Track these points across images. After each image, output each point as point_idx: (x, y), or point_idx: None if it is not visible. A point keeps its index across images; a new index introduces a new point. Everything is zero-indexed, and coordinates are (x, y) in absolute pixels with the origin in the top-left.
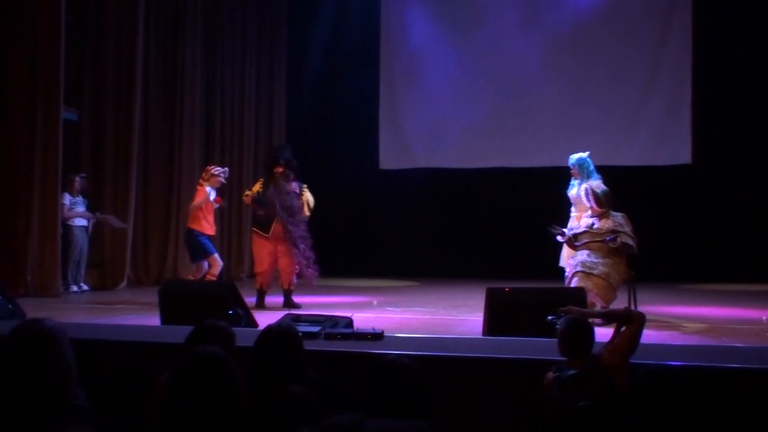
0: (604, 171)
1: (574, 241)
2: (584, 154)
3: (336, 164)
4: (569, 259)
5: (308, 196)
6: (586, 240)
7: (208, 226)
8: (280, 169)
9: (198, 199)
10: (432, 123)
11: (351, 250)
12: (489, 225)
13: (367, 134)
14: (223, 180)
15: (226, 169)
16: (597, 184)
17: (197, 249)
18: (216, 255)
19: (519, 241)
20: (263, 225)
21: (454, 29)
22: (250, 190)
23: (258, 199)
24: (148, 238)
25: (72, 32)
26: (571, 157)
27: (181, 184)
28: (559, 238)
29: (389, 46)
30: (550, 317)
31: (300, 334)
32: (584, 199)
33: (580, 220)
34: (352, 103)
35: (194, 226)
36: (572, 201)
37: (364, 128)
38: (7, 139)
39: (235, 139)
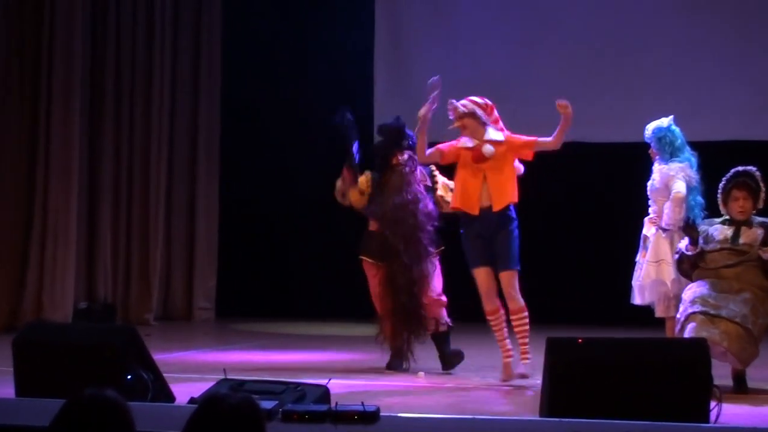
0: (738, 148)
1: (700, 262)
2: (664, 122)
3: (298, 151)
4: (683, 294)
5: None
6: (729, 263)
7: None
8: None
9: None
10: (465, 83)
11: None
12: (539, 236)
13: (358, 98)
14: None
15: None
16: (679, 168)
17: None
18: None
19: (581, 263)
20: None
21: None
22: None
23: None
24: None
25: None
26: (647, 127)
27: (50, 169)
28: (683, 245)
29: None
30: None
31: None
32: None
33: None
34: (328, 49)
35: None
36: (649, 196)
37: (352, 89)
38: None
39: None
